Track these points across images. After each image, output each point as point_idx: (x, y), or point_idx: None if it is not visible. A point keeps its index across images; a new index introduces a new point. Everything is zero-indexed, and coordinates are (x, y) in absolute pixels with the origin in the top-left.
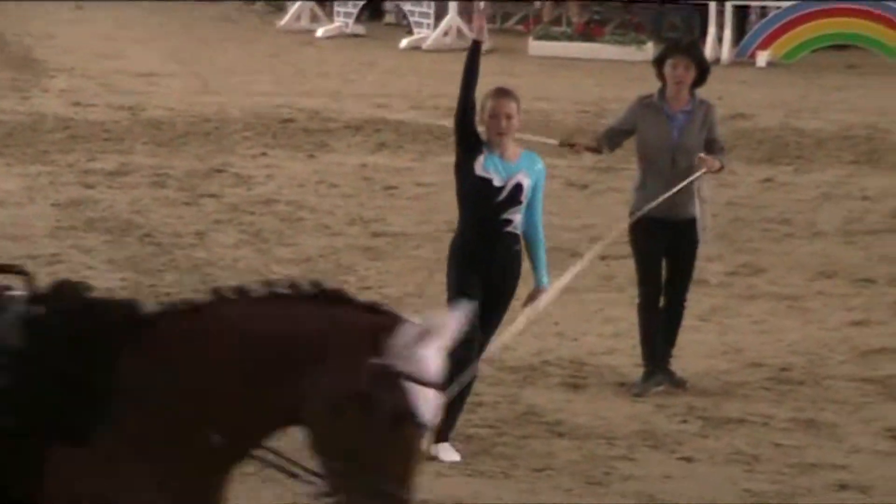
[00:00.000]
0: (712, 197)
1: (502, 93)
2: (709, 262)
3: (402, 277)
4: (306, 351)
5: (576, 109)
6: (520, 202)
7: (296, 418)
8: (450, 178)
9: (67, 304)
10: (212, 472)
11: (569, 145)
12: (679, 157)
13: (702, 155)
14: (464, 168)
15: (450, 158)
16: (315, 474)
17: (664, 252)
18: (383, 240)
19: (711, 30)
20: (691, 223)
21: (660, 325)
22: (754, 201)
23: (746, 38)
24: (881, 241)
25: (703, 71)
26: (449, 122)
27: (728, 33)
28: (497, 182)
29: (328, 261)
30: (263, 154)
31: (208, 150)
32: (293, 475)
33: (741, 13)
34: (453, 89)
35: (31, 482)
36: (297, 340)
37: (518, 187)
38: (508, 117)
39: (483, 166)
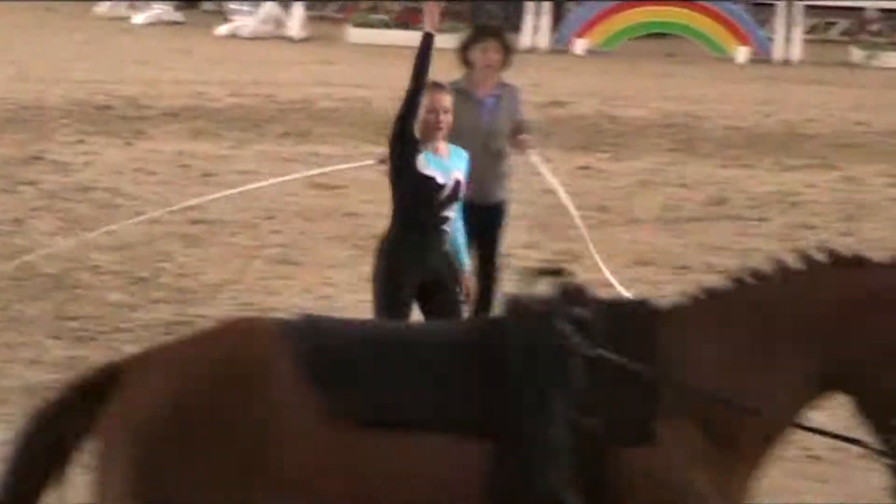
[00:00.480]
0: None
1: (439, 86)
2: (527, 249)
3: (220, 265)
4: (851, 313)
5: (395, 97)
6: (459, 199)
7: (838, 385)
8: (267, 166)
9: (596, 303)
10: (758, 453)
11: (381, 162)
12: (490, 141)
13: (522, 136)
14: (405, 167)
15: (268, 146)
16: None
17: (472, 236)
18: (201, 227)
19: (528, 17)
20: (499, 207)
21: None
22: (571, 189)
23: (563, 25)
24: (698, 229)
25: (508, 55)
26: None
27: (545, 21)
28: (441, 179)
29: (146, 248)
30: (81, 141)
31: (26, 137)
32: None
33: (558, 1)
34: (272, 76)
35: (600, 487)
36: (843, 305)
37: (458, 184)
38: (445, 111)
39: (425, 164)
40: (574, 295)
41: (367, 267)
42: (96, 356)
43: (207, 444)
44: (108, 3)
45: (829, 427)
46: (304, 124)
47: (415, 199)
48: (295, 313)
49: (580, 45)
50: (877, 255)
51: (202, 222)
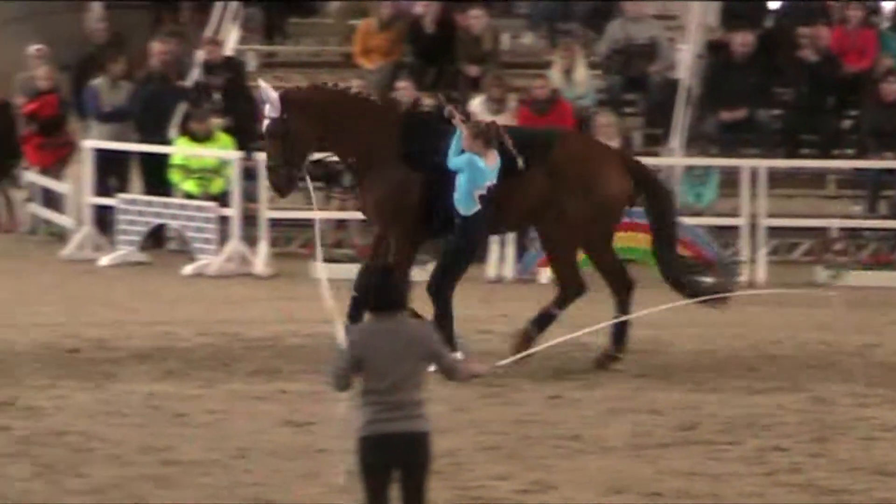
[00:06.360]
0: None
1: None
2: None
3: None
4: None
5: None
6: None
7: None
8: (237, 406)
9: None
10: None
11: None
12: None
13: None
14: None
15: (238, 385)
16: None
17: None
18: (174, 468)
19: (494, 248)
20: None
21: None
22: (542, 418)
23: (528, 254)
24: (670, 454)
25: None
26: None
27: (510, 251)
28: None
29: (120, 491)
30: (52, 385)
31: None
32: None
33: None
34: (239, 314)
35: None
36: None
37: None
38: None
39: None
40: None
41: None
42: None
43: None
44: (72, 245)
45: None
46: (273, 362)
47: None
48: None
49: (545, 274)
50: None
51: (174, 463)
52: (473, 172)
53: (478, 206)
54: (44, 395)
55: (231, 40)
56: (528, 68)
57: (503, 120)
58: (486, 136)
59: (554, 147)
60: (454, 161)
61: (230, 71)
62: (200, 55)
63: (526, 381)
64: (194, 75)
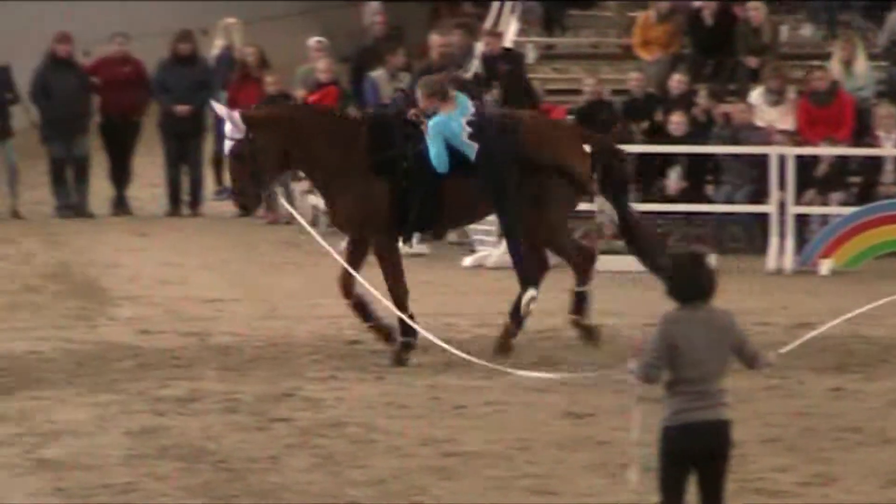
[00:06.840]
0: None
1: None
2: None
3: (476, 497)
4: None
5: (644, 324)
6: None
7: None
8: (518, 397)
9: None
10: None
11: None
12: None
13: None
14: None
15: (518, 377)
16: None
17: None
18: (455, 459)
19: (773, 239)
20: None
21: None
22: (822, 410)
23: (808, 246)
24: None
25: None
26: None
27: (790, 242)
28: None
29: (401, 482)
30: (332, 377)
31: (277, 374)
32: None
33: (802, 221)
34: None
35: None
36: None
37: None
38: None
39: None
40: None
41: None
42: None
43: None
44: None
45: None
46: (554, 353)
47: None
48: None
49: (825, 266)
50: None
51: (456, 455)
52: (446, 129)
53: (474, 146)
54: (324, 386)
55: (510, 32)
56: (808, 60)
57: (782, 112)
58: (440, 91)
59: (518, 134)
60: (437, 158)
61: (509, 63)
62: (480, 47)
63: (807, 373)
64: (473, 67)
